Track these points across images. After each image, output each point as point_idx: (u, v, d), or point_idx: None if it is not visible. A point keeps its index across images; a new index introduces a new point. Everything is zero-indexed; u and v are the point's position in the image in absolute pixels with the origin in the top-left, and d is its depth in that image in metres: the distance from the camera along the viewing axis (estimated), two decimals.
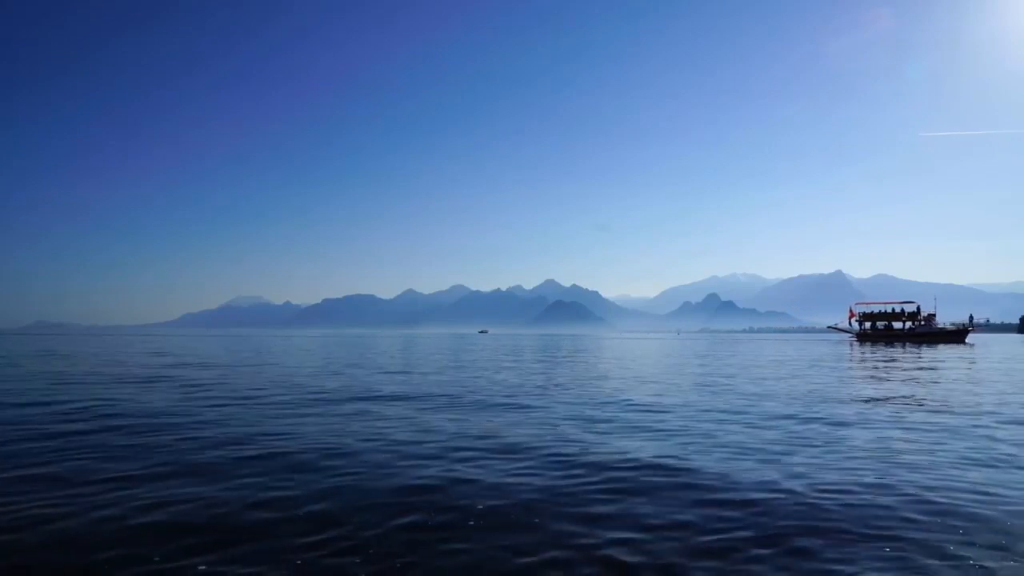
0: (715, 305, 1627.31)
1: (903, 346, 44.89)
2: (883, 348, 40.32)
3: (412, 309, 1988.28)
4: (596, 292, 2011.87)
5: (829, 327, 69.00)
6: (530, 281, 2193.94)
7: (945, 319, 58.46)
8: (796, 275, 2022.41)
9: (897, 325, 56.97)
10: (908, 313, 56.85)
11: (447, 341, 66.01)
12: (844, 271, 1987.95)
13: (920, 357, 28.01)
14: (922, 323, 55.61)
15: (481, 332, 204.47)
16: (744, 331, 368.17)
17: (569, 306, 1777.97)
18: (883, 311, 58.92)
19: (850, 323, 61.31)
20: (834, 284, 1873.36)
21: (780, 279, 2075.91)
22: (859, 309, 60.77)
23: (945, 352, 33.49)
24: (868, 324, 59.10)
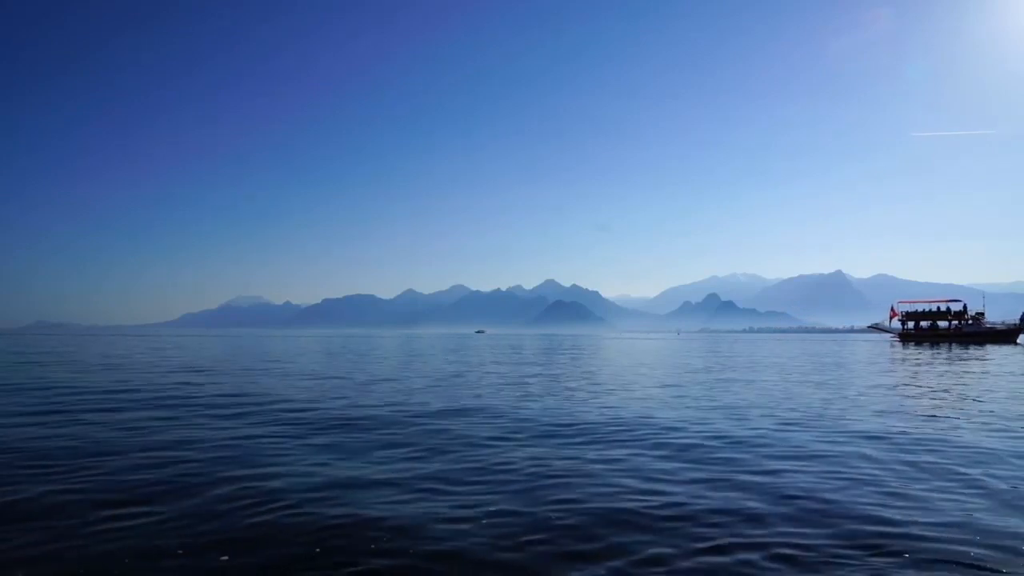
0: (715, 305, 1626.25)
1: (949, 346, 43.93)
2: (931, 348, 39.27)
3: (412, 309, 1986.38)
4: (596, 292, 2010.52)
5: (870, 327, 67.92)
6: (530, 281, 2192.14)
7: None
8: (796, 275, 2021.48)
9: (943, 324, 55.98)
10: (954, 312, 55.84)
11: (458, 341, 65.28)
12: (844, 271, 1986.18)
13: None
14: (969, 322, 54.62)
15: (478, 332, 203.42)
16: (744, 331, 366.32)
17: (569, 306, 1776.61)
18: (927, 310, 57.96)
19: (891, 322, 60.36)
20: (834, 284, 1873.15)
21: (780, 279, 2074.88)
22: (901, 308, 59.81)
23: (1007, 353, 32.38)
24: (911, 323, 58.15)
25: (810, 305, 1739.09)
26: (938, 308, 57.26)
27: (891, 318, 60.23)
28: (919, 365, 22.48)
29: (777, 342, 62.33)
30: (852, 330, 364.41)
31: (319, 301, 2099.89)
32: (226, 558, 3.71)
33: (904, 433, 7.85)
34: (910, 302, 59.98)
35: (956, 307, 56.02)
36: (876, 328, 65.17)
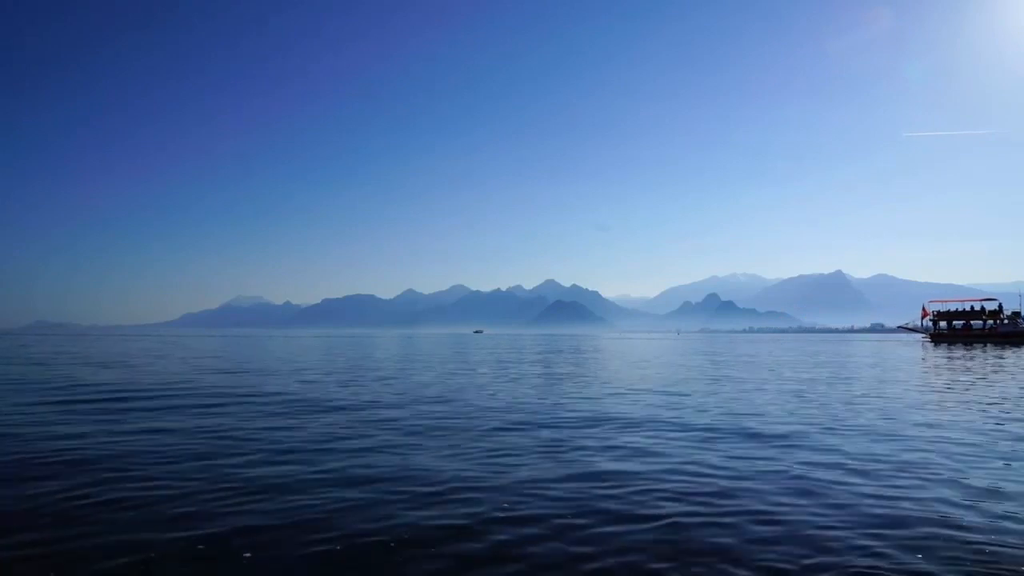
0: (715, 305, 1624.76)
1: (984, 347, 43.05)
2: (965, 349, 38.23)
3: (412, 309, 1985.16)
4: (596, 292, 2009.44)
5: (900, 327, 66.91)
6: (530, 281, 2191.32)
7: None
8: (796, 275, 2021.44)
9: (976, 324, 55.09)
10: (989, 311, 54.92)
11: (464, 341, 64.41)
12: (844, 271, 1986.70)
13: None
14: (1004, 322, 53.71)
15: (476, 332, 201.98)
16: (744, 331, 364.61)
17: (569, 306, 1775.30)
18: (960, 309, 57.10)
19: (923, 322, 59.49)
20: (834, 284, 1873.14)
21: (780, 279, 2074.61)
22: (933, 307, 58.98)
23: None
24: (944, 323, 57.28)
25: (810, 305, 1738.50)
26: (971, 307, 56.37)
27: (922, 317, 59.37)
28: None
29: (793, 343, 61.35)
30: (852, 330, 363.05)
31: (319, 301, 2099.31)
32: None
33: None
34: (941, 301, 59.11)
35: (991, 306, 55.07)
36: (906, 328, 64.14)
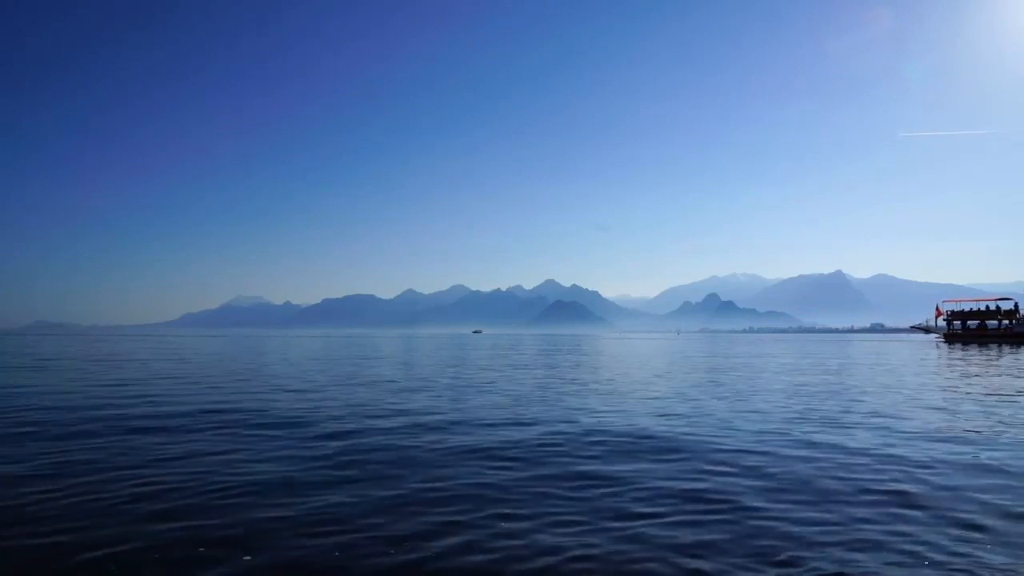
0: (715, 305, 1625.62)
1: (999, 347, 42.35)
2: (980, 349, 37.40)
3: (412, 309, 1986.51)
4: (596, 292, 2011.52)
5: (912, 327, 66.16)
6: (530, 281, 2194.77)
7: None
8: (796, 275, 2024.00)
9: (992, 324, 54.38)
10: (1004, 311, 54.20)
11: (465, 342, 63.94)
12: (844, 271, 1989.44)
13: None
14: (1020, 321, 53.00)
15: (475, 332, 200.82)
16: (744, 331, 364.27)
17: (569, 306, 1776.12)
18: (975, 308, 56.42)
19: (936, 322, 58.80)
20: (834, 284, 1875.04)
21: (780, 279, 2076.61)
22: (947, 307, 58.30)
23: None
24: (958, 323, 56.59)
25: (810, 305, 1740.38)
26: (987, 307, 55.70)
27: (936, 317, 58.72)
28: None
29: (798, 344, 60.55)
30: (852, 330, 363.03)
31: (319, 301, 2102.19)
32: None
33: None
34: (955, 301, 58.41)
35: (1007, 305, 54.37)
36: (920, 328, 63.41)
